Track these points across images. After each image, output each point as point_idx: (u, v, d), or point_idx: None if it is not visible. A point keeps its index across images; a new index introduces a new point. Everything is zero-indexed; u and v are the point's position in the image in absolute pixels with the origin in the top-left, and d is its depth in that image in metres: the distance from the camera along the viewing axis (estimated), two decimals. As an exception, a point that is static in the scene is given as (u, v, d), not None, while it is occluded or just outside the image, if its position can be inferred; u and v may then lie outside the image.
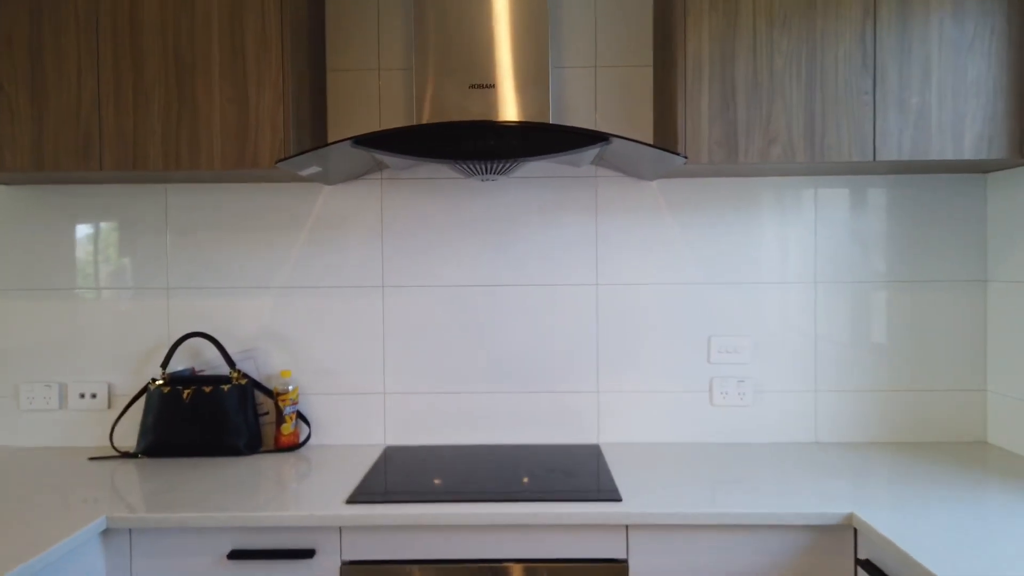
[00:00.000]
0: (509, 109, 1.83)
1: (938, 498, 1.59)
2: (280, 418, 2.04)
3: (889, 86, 1.76)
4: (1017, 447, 1.95)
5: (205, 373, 2.08)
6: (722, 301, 2.09)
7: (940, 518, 1.48)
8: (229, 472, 1.83)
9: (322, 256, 2.11)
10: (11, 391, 2.11)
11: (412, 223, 2.10)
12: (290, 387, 2.05)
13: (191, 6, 1.79)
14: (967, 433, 2.07)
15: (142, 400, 2.07)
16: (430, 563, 1.57)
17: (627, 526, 1.57)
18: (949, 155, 1.76)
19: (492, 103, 1.83)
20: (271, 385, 2.10)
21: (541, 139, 1.65)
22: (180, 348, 2.10)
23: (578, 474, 1.79)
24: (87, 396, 2.09)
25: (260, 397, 2.10)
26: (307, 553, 1.55)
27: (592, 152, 1.79)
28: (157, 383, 2.00)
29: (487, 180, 2.07)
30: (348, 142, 1.63)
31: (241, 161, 1.79)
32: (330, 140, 2.10)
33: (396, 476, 1.79)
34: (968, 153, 1.75)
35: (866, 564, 1.46)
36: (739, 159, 1.78)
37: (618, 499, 1.59)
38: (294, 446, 2.05)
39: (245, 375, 2.04)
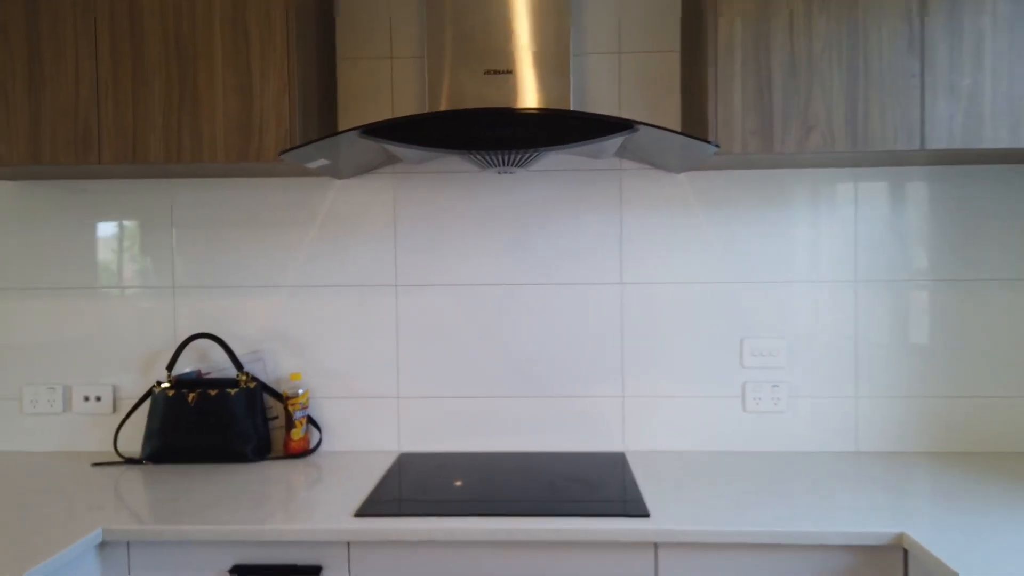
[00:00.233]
0: (527, 96, 1.73)
1: (998, 517, 1.46)
2: (290, 423, 1.95)
3: (938, 68, 1.63)
4: (1077, 458, 1.81)
5: (213, 375, 2.00)
6: (755, 301, 1.97)
7: (1001, 539, 1.35)
8: (235, 480, 1.75)
9: (333, 254, 2.01)
10: (14, 393, 2.04)
11: (426, 219, 2.00)
12: (300, 390, 1.96)
13: (193, -9, 1.70)
14: (1021, 443, 1.93)
15: (147, 404, 1.99)
16: (443, 581, 1.47)
17: (656, 543, 1.45)
18: (1004, 143, 1.62)
19: (509, 90, 1.72)
20: (280, 388, 2.01)
21: (562, 128, 1.54)
22: (187, 349, 2.02)
23: (602, 485, 1.68)
24: (92, 399, 2.02)
25: (269, 400, 2.01)
26: (313, 570, 1.46)
27: (616, 142, 1.67)
28: (162, 386, 1.92)
29: (504, 173, 1.96)
30: (356, 132, 1.53)
31: (245, 153, 1.70)
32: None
33: (409, 486, 1.69)
34: (1026, 140, 1.62)
35: (918, 589, 1.34)
36: (775, 148, 1.66)
37: (645, 514, 1.48)
38: (304, 452, 1.96)
39: (253, 378, 1.96)
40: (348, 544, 1.47)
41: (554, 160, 1.98)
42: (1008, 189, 1.91)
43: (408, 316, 2.01)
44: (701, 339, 1.98)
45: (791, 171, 1.95)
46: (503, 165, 1.79)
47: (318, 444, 2.00)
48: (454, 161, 1.99)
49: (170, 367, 1.95)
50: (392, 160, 1.94)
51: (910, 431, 1.95)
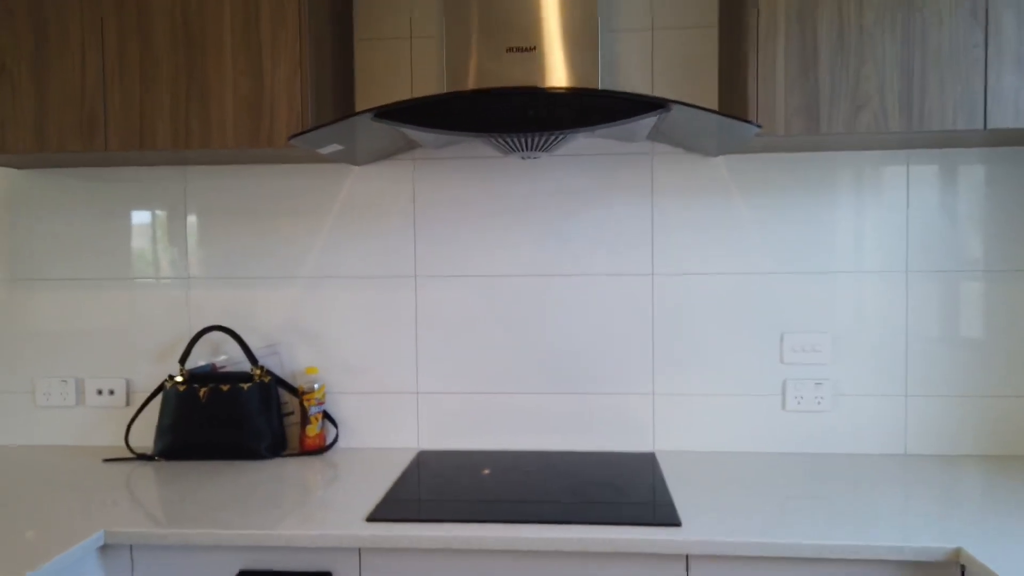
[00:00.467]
0: (553, 75, 1.62)
1: (1066, 532, 1.33)
2: (305, 419, 1.88)
3: (1004, 38, 1.48)
4: None
5: (228, 369, 1.93)
6: (797, 293, 1.84)
7: (1073, 560, 1.22)
8: (247, 479, 1.68)
9: (351, 244, 1.93)
10: (27, 386, 2.00)
11: (447, 207, 1.91)
12: (316, 385, 1.88)
13: (201, -32, 1.62)
14: (1087, 447, 1.78)
15: (159, 398, 1.93)
16: (460, 592, 1.38)
17: (687, 555, 1.35)
18: (1077, 122, 1.48)
19: (534, 68, 1.61)
20: (296, 383, 1.94)
21: (590, 108, 1.43)
22: (203, 342, 1.96)
23: (631, 489, 1.57)
24: (104, 392, 1.97)
25: (285, 395, 1.94)
26: (323, 577, 1.39)
27: (648, 123, 1.56)
28: (173, 381, 1.85)
29: (528, 158, 1.86)
30: (369, 115, 1.44)
31: (256, 139, 1.62)
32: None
33: (426, 487, 1.60)
34: (1103, 118, 1.47)
35: (979, 613, 1.22)
36: (821, 129, 1.53)
37: (676, 523, 1.38)
38: (320, 449, 1.89)
39: (268, 372, 1.89)
40: (359, 551, 1.39)
41: (581, 144, 1.87)
42: (1077, 172, 1.76)
43: (428, 308, 1.92)
44: (738, 333, 1.86)
45: (836, 154, 1.82)
46: (527, 149, 1.69)
47: (334, 441, 1.92)
48: (476, 146, 1.89)
49: (183, 360, 1.89)
50: (411, 145, 1.84)
51: (964, 433, 1.81)
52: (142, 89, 1.64)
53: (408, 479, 1.67)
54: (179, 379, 1.85)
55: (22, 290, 1.99)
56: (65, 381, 1.97)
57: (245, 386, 1.84)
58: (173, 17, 1.62)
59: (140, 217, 1.96)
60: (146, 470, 1.76)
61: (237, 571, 1.40)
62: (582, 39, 1.61)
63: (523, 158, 1.86)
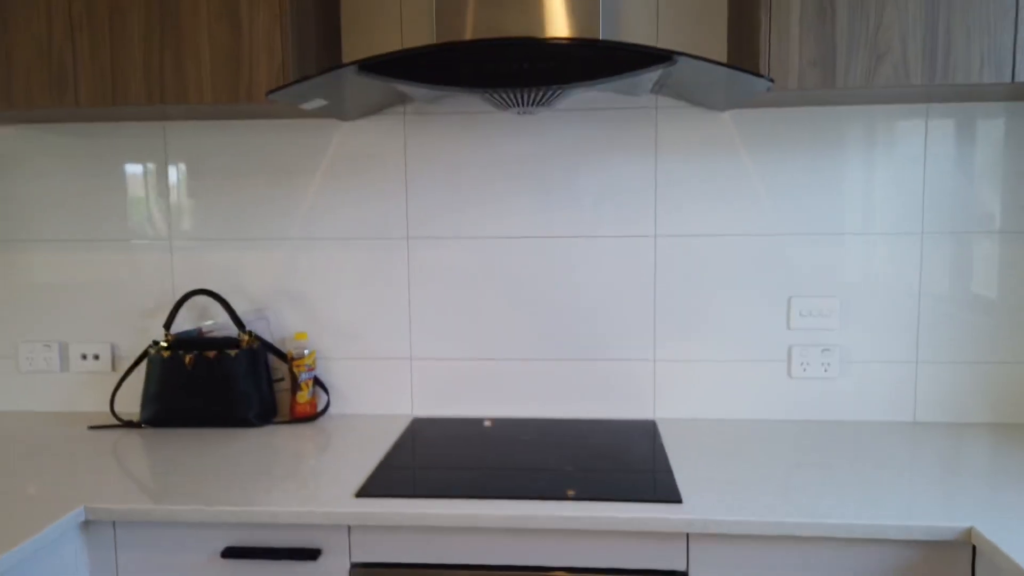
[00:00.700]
0: (551, 23, 1.51)
1: (1082, 510, 1.28)
2: (295, 385, 1.83)
3: (1039, -16, 1.37)
4: None
5: (216, 334, 1.87)
6: (806, 256, 1.76)
7: (1090, 542, 1.17)
8: (235, 448, 1.63)
9: (340, 204, 1.84)
10: (10, 351, 1.94)
11: (440, 165, 1.82)
12: (306, 351, 1.82)
13: (172, -94, 1.50)
14: (1103, 415, 1.73)
15: (145, 364, 1.87)
16: (451, 568, 1.34)
17: (688, 534, 1.30)
18: (1114, 74, 1.38)
19: (530, 16, 1.50)
20: (286, 348, 1.88)
21: (592, 60, 1.33)
22: (190, 306, 1.89)
23: (630, 461, 1.52)
24: (89, 357, 1.91)
25: (275, 361, 1.89)
26: (312, 553, 1.34)
27: (652, 76, 1.45)
28: (159, 346, 1.79)
29: (524, 113, 1.76)
30: (353, 68, 1.34)
31: (234, 93, 1.53)
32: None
33: (419, 458, 1.55)
34: None
35: (990, 595, 1.17)
36: (837, 83, 1.43)
37: (677, 500, 1.33)
38: (311, 416, 1.84)
39: (257, 337, 1.83)
40: (348, 527, 1.34)
41: (581, 98, 1.77)
42: (1106, 128, 1.66)
43: (421, 271, 1.85)
44: (743, 298, 1.78)
45: (851, 108, 1.71)
46: (524, 104, 1.59)
47: (326, 407, 1.87)
48: (471, 101, 1.79)
49: (167, 326, 1.83)
50: (402, 99, 1.74)
51: (975, 400, 1.75)
52: (112, 40, 1.53)
53: (400, 449, 1.62)
54: (163, 344, 1.79)
55: (0, 252, 1.92)
56: (49, 346, 1.91)
57: (232, 352, 1.78)
58: (143, -39, 1.51)
59: (121, 176, 1.87)
60: (132, 438, 1.71)
61: (223, 547, 1.36)
62: (582, -16, 1.50)
63: (520, 113, 1.76)
